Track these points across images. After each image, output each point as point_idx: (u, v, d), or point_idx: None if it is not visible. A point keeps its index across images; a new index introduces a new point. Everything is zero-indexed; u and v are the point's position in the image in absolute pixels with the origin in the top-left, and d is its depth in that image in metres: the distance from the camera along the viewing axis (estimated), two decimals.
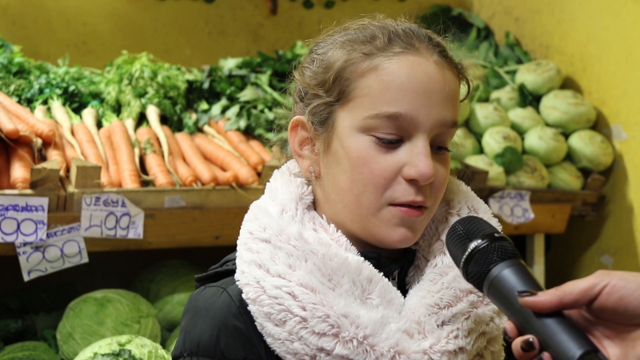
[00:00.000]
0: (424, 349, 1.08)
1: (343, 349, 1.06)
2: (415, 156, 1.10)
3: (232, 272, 1.17)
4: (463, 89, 1.20)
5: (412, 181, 1.11)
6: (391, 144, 1.11)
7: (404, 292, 1.16)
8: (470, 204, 1.23)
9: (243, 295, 1.11)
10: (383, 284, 1.12)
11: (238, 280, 1.13)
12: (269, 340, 1.09)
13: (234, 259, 1.19)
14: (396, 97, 1.10)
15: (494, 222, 1.20)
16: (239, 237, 1.19)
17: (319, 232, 1.15)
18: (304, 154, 1.21)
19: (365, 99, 1.12)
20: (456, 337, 1.11)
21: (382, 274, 1.13)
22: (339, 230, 1.16)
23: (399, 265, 1.20)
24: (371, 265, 1.13)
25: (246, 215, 1.22)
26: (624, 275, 0.94)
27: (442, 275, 1.14)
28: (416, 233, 1.15)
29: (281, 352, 1.08)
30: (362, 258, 1.13)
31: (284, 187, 1.21)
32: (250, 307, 1.10)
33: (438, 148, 1.15)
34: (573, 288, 0.94)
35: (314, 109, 1.17)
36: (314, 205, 1.22)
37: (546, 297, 0.94)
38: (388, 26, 1.16)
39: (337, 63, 1.14)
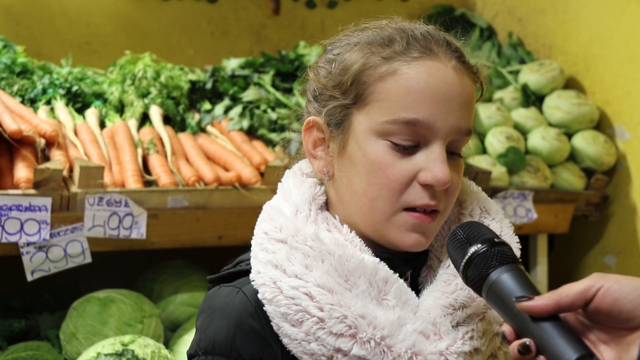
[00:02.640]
0: (440, 350, 1.09)
1: (360, 350, 1.06)
2: (431, 162, 1.10)
3: (246, 272, 1.17)
4: None
5: (427, 186, 1.11)
6: (407, 150, 1.11)
7: (417, 293, 1.17)
8: (482, 205, 1.24)
9: (259, 296, 1.11)
10: (399, 285, 1.12)
11: (253, 281, 1.13)
12: (285, 340, 1.09)
13: (247, 260, 1.19)
14: (414, 103, 1.10)
15: (506, 223, 1.22)
16: (253, 238, 1.19)
17: (333, 233, 1.15)
18: (317, 154, 1.20)
19: (383, 104, 1.11)
20: (471, 338, 1.11)
21: (397, 274, 1.13)
22: (353, 231, 1.16)
23: (411, 266, 1.20)
24: (386, 266, 1.13)
25: (260, 216, 1.21)
26: (619, 278, 0.94)
27: (455, 275, 1.14)
28: (429, 238, 1.15)
29: (298, 353, 1.08)
30: (378, 259, 1.13)
31: (297, 187, 1.20)
32: (267, 308, 1.10)
33: (451, 154, 1.15)
34: (569, 291, 0.95)
35: (329, 110, 1.16)
36: (327, 206, 1.21)
37: (542, 301, 0.95)
38: (406, 29, 1.15)
39: (355, 66, 1.14)
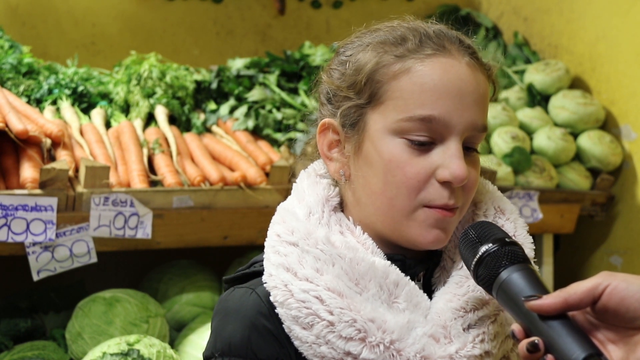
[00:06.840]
0: (450, 354, 1.09)
1: (370, 354, 1.06)
2: (448, 159, 1.10)
3: (260, 273, 1.17)
4: None
5: (445, 183, 1.11)
6: (424, 147, 1.11)
7: (430, 294, 1.17)
8: (496, 205, 1.23)
9: (271, 298, 1.12)
10: (410, 287, 1.12)
11: (265, 283, 1.13)
12: (296, 343, 1.10)
13: (261, 261, 1.19)
14: (430, 99, 1.10)
15: (521, 223, 1.22)
16: (266, 239, 1.19)
17: (345, 235, 1.15)
18: (333, 156, 1.20)
19: (398, 102, 1.11)
20: (482, 341, 1.11)
21: (408, 277, 1.13)
22: (366, 233, 1.16)
23: (424, 266, 1.20)
24: (397, 269, 1.13)
25: (273, 218, 1.21)
26: (627, 277, 0.95)
27: (468, 277, 1.14)
28: (448, 234, 1.15)
29: (309, 355, 1.09)
30: (389, 262, 1.13)
31: (311, 188, 1.21)
32: (278, 310, 1.11)
33: (468, 149, 1.14)
34: (577, 288, 0.95)
35: (344, 111, 1.17)
36: (341, 207, 1.22)
37: (551, 299, 0.95)
38: (418, 28, 1.16)
39: (368, 65, 1.14)
